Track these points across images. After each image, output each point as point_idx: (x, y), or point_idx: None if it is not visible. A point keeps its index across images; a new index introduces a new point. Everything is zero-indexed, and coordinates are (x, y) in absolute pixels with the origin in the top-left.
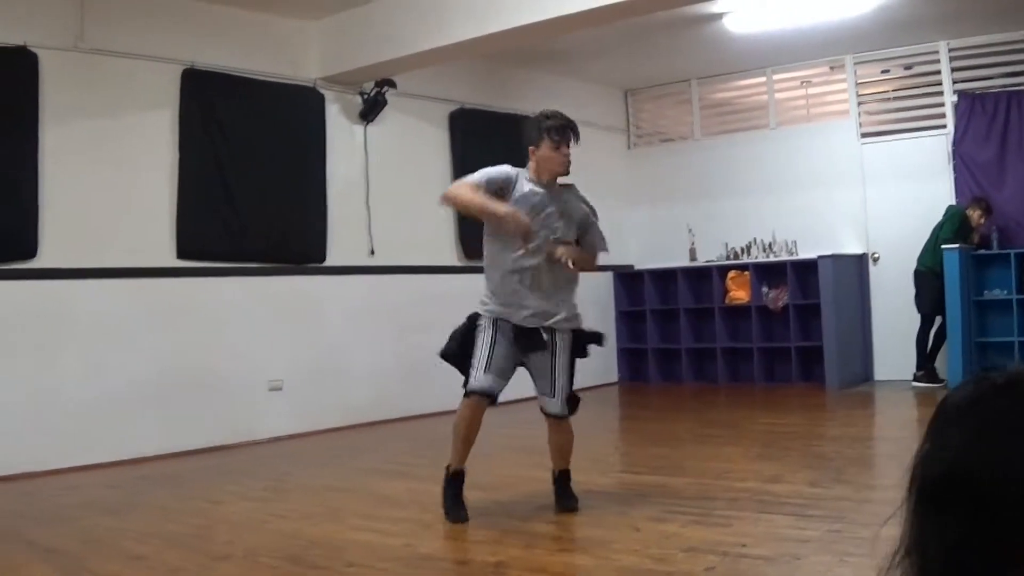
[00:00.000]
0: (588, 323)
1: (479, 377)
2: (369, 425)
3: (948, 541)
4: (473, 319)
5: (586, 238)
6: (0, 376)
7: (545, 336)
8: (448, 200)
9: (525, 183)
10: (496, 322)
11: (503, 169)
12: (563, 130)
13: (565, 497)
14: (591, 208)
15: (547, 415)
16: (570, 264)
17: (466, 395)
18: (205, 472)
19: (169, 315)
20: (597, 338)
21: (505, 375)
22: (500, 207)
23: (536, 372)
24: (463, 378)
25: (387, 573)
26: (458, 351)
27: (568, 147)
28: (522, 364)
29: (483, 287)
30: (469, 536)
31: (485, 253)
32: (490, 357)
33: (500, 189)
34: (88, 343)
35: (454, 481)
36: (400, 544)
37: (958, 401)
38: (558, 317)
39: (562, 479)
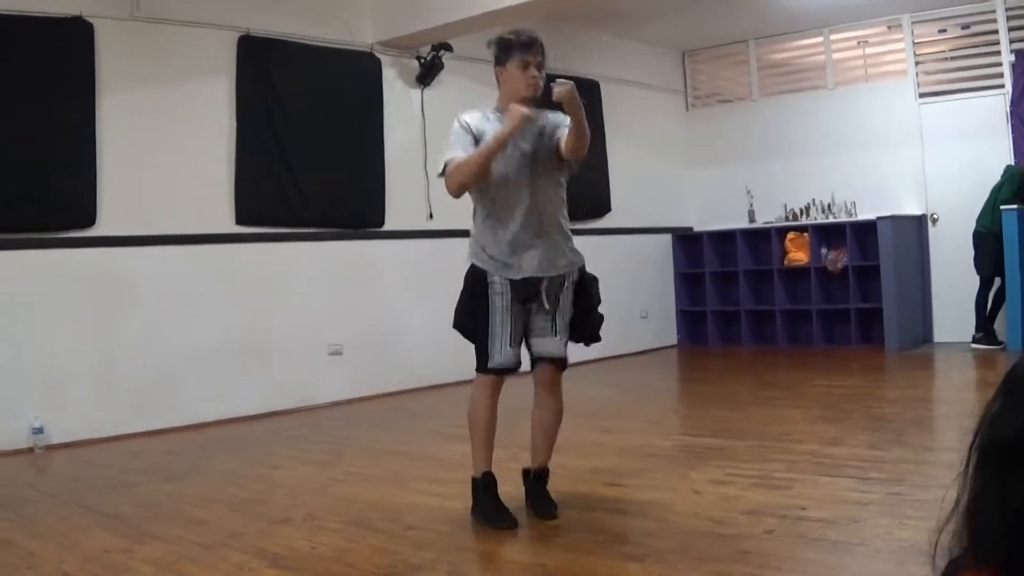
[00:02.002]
0: (647, 286)
1: (504, 351)
2: (428, 389)
3: (1011, 502)
4: (480, 281)
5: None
6: (62, 344)
7: (546, 283)
8: (461, 187)
9: (491, 121)
10: (503, 284)
11: (461, 122)
12: (529, 45)
13: (545, 501)
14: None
15: (542, 359)
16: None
17: (486, 373)
18: (265, 437)
19: (228, 281)
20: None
21: (520, 340)
22: (497, 136)
23: (531, 316)
24: (477, 351)
25: (446, 535)
26: (471, 323)
27: (538, 68)
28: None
29: (473, 243)
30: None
31: (476, 206)
32: (513, 326)
33: (475, 139)
34: (148, 310)
35: (488, 488)
36: (460, 507)
37: None
38: (563, 262)
39: (541, 480)
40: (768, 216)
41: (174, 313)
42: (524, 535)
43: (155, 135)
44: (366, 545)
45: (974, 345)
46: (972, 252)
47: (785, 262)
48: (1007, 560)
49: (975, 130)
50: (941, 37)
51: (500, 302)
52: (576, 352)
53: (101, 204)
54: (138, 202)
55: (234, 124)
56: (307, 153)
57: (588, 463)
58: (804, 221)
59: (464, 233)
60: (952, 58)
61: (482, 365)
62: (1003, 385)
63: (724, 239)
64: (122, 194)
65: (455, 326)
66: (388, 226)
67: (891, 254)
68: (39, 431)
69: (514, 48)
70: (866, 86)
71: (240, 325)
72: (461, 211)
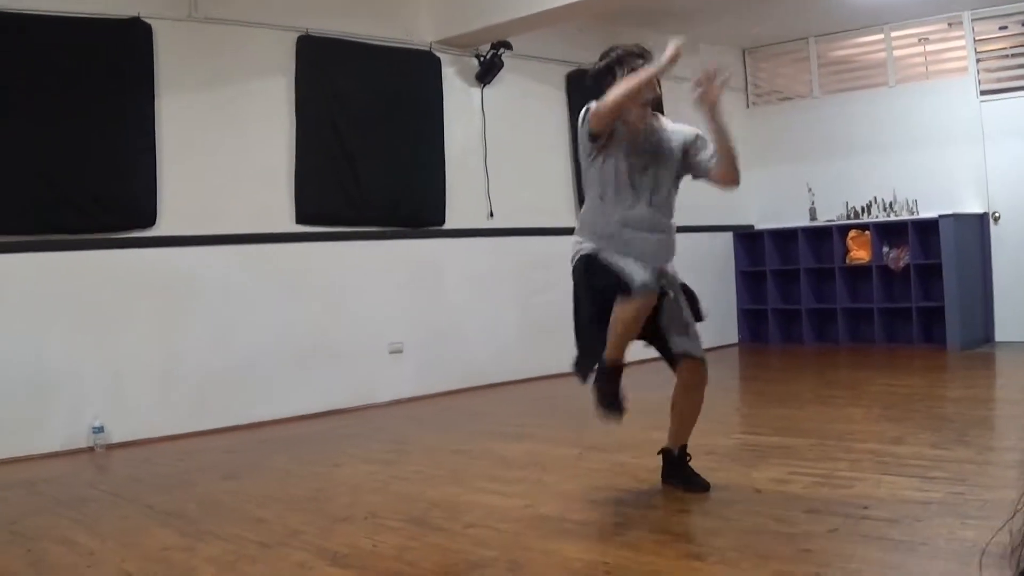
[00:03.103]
0: (707, 284)
1: (641, 275)
2: (488, 387)
3: None
4: (592, 255)
5: (706, 149)
6: (122, 344)
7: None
8: (615, 105)
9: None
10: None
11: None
12: (641, 55)
13: (699, 477)
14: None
15: (685, 358)
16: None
17: (633, 292)
18: (325, 436)
19: (289, 280)
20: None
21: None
22: (651, 68)
23: (668, 316)
24: (620, 291)
25: (507, 534)
26: (601, 285)
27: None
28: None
29: (578, 234)
30: (590, 497)
31: (589, 187)
32: (639, 263)
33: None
34: (208, 310)
35: (614, 373)
36: (520, 505)
37: None
38: (671, 268)
39: (684, 457)
40: (829, 214)
41: (234, 312)
42: (585, 532)
43: (214, 135)
44: (427, 543)
45: None
46: None
47: (847, 260)
48: None
49: None
50: (1002, 34)
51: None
52: (635, 350)
53: (161, 204)
54: (198, 202)
55: (294, 124)
56: (367, 152)
57: (648, 462)
58: (865, 219)
59: (524, 232)
60: (1013, 55)
61: (626, 290)
62: None
63: (785, 237)
64: (182, 194)
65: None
66: (448, 225)
67: (953, 252)
68: (99, 430)
69: (626, 58)
70: (927, 83)
71: (300, 324)
72: (520, 209)
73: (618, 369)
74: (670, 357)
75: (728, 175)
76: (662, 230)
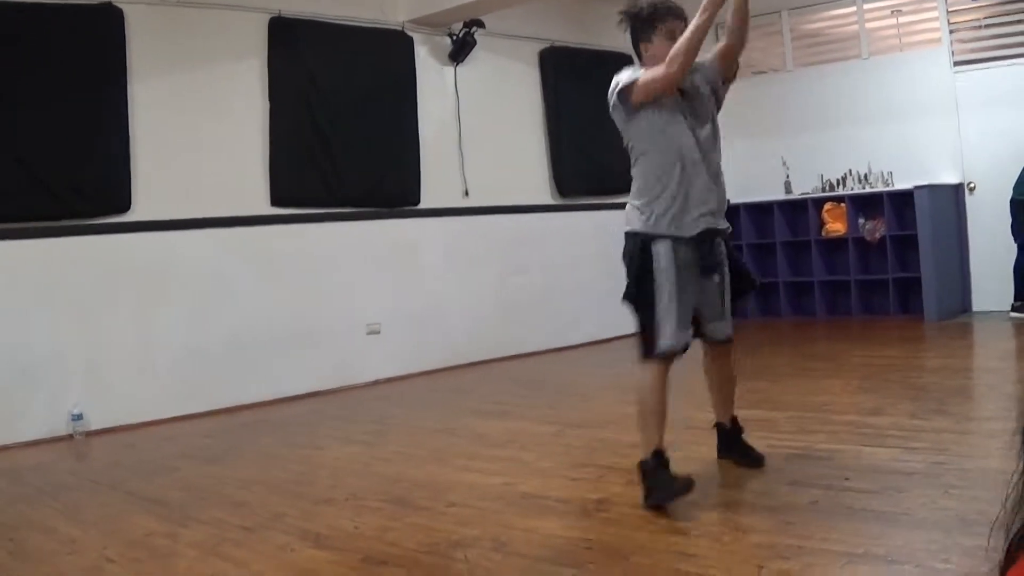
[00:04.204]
0: None
1: (672, 334)
2: (467, 366)
3: None
4: (646, 248)
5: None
6: (100, 330)
7: (720, 246)
8: (684, 59)
9: None
10: (675, 250)
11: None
12: (675, 11)
13: (754, 451)
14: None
15: (716, 343)
16: None
17: (653, 358)
18: (306, 418)
19: (265, 263)
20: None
21: (691, 319)
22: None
23: (705, 295)
24: (641, 333)
25: (488, 511)
26: (637, 294)
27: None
28: None
29: (633, 198)
30: (571, 474)
31: (637, 143)
32: (680, 306)
33: None
34: (186, 293)
35: (661, 462)
36: (501, 483)
37: None
38: (722, 216)
39: (737, 429)
40: (805, 187)
41: (211, 296)
42: (566, 509)
43: (188, 119)
44: (408, 523)
45: (1013, 314)
46: (1010, 220)
47: (822, 233)
48: None
49: (1011, 98)
50: (975, 5)
51: (667, 276)
52: (614, 326)
53: (136, 189)
54: (173, 186)
55: (267, 106)
56: (341, 133)
57: (628, 437)
58: (841, 192)
59: (499, 210)
60: (987, 26)
61: (648, 351)
62: None
63: (761, 211)
64: (156, 179)
65: (623, 297)
66: (424, 204)
67: (928, 223)
68: (79, 417)
69: (658, 17)
70: (900, 55)
71: (277, 306)
72: (496, 188)
73: (663, 457)
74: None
75: (739, 43)
76: (712, 172)
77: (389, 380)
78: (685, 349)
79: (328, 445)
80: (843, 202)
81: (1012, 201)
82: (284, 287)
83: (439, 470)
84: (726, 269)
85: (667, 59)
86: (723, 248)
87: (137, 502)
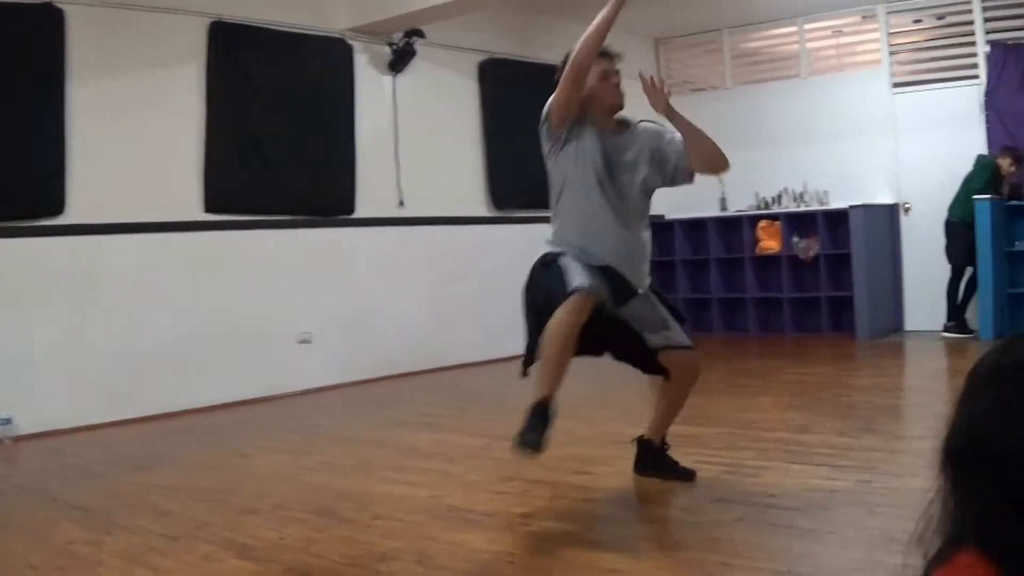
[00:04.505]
0: None
1: (582, 279)
2: (399, 376)
3: (977, 502)
4: (551, 259)
5: (673, 148)
6: (30, 334)
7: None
8: (574, 74)
9: (586, 129)
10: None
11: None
12: (608, 55)
13: (684, 467)
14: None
15: (676, 350)
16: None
17: (570, 295)
18: (235, 426)
19: (198, 269)
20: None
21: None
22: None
23: (638, 319)
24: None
25: (414, 524)
26: (539, 289)
27: (616, 73)
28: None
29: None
30: (496, 488)
31: (557, 190)
32: (587, 269)
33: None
34: (118, 299)
35: (546, 410)
36: (426, 495)
37: (984, 369)
38: (645, 274)
39: (664, 448)
40: (740, 204)
41: (144, 302)
42: (491, 523)
43: (125, 123)
44: (333, 535)
45: (945, 334)
46: (944, 241)
47: (756, 250)
48: (989, 552)
49: (948, 120)
50: (916, 27)
51: (571, 261)
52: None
53: (70, 193)
54: (108, 190)
55: (204, 111)
56: (278, 140)
57: (556, 451)
58: (776, 210)
59: (434, 221)
60: (927, 48)
61: (566, 291)
62: (962, 389)
63: (696, 227)
64: (92, 182)
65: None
66: (359, 213)
67: (863, 243)
68: (7, 422)
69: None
70: (839, 76)
71: (210, 313)
72: (431, 198)
73: (547, 404)
74: (647, 361)
75: (713, 161)
76: (628, 239)
77: (320, 389)
78: (599, 297)
79: (256, 454)
80: (778, 220)
81: (947, 222)
82: (216, 294)
83: (366, 481)
84: (650, 295)
85: (574, 51)
86: (639, 283)
87: (63, 509)
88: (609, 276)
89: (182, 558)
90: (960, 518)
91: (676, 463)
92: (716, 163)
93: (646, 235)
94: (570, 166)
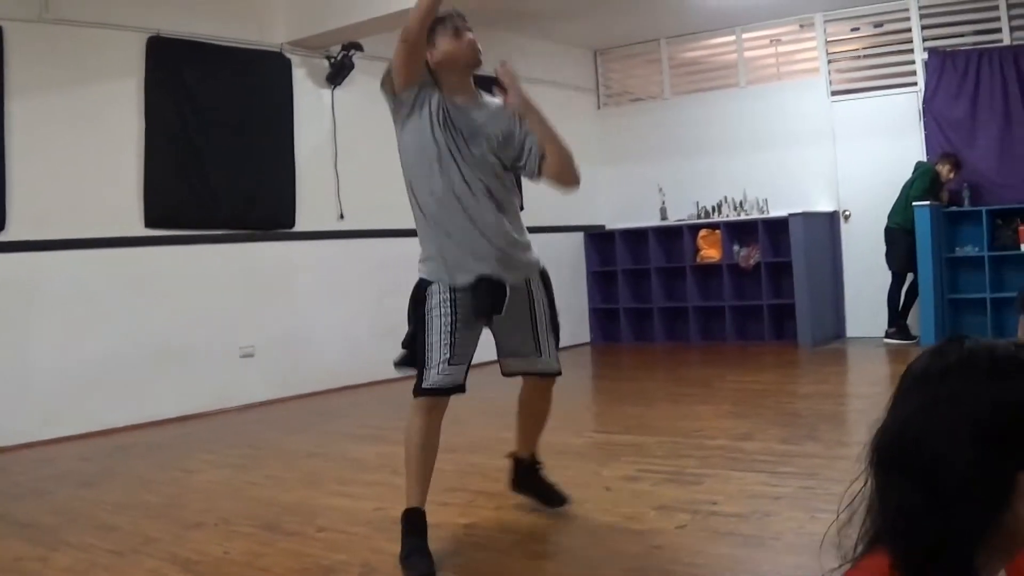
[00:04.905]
0: (559, 285)
1: (441, 370)
2: (342, 389)
3: (900, 502)
4: (420, 296)
5: (530, 138)
6: None
7: (510, 287)
8: (417, 25)
9: (434, 95)
10: (451, 290)
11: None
12: (448, 16)
13: (556, 491)
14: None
15: (538, 375)
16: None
17: (420, 395)
18: (180, 441)
19: (139, 284)
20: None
21: (469, 358)
22: None
23: (509, 329)
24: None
25: (358, 537)
26: (413, 335)
27: (469, 31)
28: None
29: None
30: (440, 499)
31: (408, 178)
32: (452, 344)
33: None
34: (59, 315)
35: (415, 524)
36: (371, 508)
37: (915, 371)
38: (523, 260)
39: (536, 467)
40: (680, 214)
41: (85, 318)
42: (436, 534)
43: (65, 139)
44: (278, 549)
45: (887, 340)
46: (884, 248)
47: (697, 259)
48: (896, 554)
49: (887, 127)
50: (854, 35)
51: (439, 312)
52: (489, 350)
53: (10, 209)
54: (48, 206)
55: (143, 125)
56: (217, 154)
57: (499, 462)
58: (716, 219)
59: (375, 234)
60: (865, 56)
61: (417, 388)
62: (894, 392)
63: (636, 237)
64: (32, 199)
65: (394, 363)
66: (299, 227)
67: (803, 251)
68: None
69: (436, 23)
70: (778, 84)
71: (152, 328)
72: (371, 211)
73: (420, 517)
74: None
75: (564, 175)
76: (498, 228)
77: (263, 404)
78: (456, 389)
79: (200, 468)
80: (718, 229)
81: (886, 229)
82: (158, 309)
83: (311, 494)
84: (539, 307)
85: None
86: (533, 284)
87: (8, 526)
88: (482, 290)
89: (128, 573)
90: (879, 517)
91: (550, 486)
92: (569, 176)
93: (517, 217)
94: (418, 139)
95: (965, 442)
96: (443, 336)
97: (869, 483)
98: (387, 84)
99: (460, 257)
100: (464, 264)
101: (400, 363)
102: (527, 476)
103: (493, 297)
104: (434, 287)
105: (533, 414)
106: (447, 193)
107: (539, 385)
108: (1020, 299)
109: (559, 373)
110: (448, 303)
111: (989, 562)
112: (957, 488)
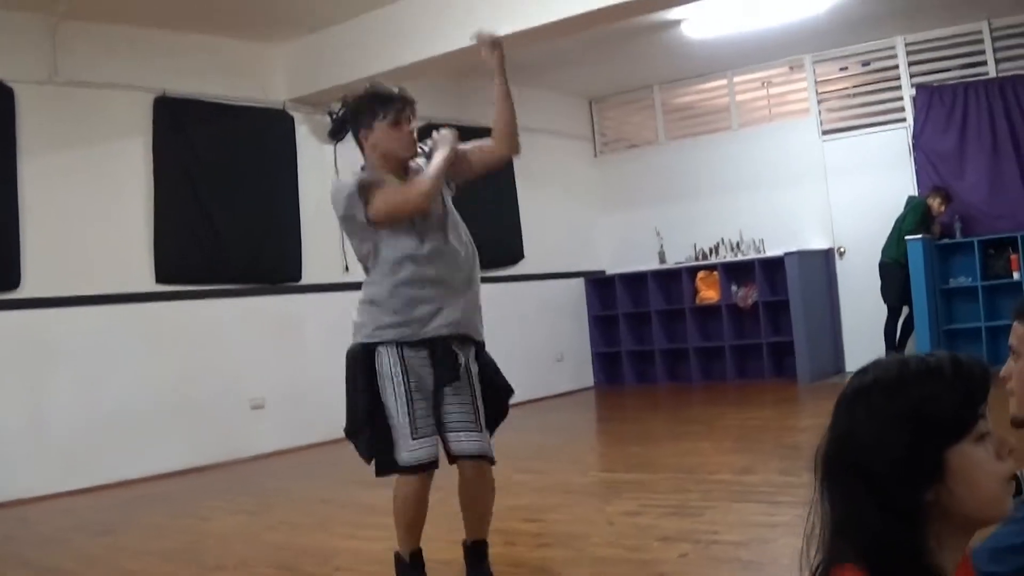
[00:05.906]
0: (562, 331)
1: (412, 447)
2: None
3: (845, 500)
4: (367, 360)
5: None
6: None
7: (460, 355)
8: (423, 202)
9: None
10: (402, 355)
11: (345, 185)
12: (393, 99)
13: None
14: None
15: (468, 457)
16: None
17: (403, 472)
18: (194, 491)
19: (151, 338)
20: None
21: (434, 429)
22: (443, 158)
23: (450, 400)
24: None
25: (374, 575)
26: (366, 419)
27: (410, 120)
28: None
29: (361, 309)
30: (450, 537)
31: (372, 259)
32: (412, 417)
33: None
34: (74, 370)
35: (414, 566)
36: (385, 548)
37: (851, 387)
38: (476, 324)
39: (478, 552)
40: (678, 256)
41: (99, 372)
42: (448, 571)
43: (76, 197)
44: None
45: None
46: (879, 283)
47: (696, 301)
48: (855, 553)
49: (878, 164)
50: (843, 75)
51: (393, 383)
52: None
53: (25, 266)
54: (61, 264)
55: (152, 183)
56: (224, 210)
57: (508, 501)
58: (713, 260)
59: None
60: (854, 95)
61: (384, 466)
62: (835, 404)
63: (636, 281)
64: (45, 256)
65: (344, 430)
66: (305, 279)
67: (799, 288)
68: None
69: (379, 105)
70: (770, 126)
71: (164, 381)
72: None
73: (417, 558)
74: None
75: (508, 138)
76: (461, 285)
77: (273, 454)
78: (435, 462)
79: (215, 516)
80: (716, 270)
81: (881, 264)
82: (170, 362)
83: (326, 537)
84: (475, 380)
85: (416, 188)
86: (470, 355)
87: (33, 571)
88: (436, 353)
89: None
90: (834, 522)
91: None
92: (511, 141)
93: (476, 277)
94: (396, 240)
95: (895, 431)
96: (404, 406)
97: (822, 498)
98: (360, 211)
99: (421, 318)
100: (422, 324)
101: (381, 470)
102: (469, 562)
103: (444, 363)
104: (383, 349)
105: (468, 500)
106: (433, 251)
107: (471, 469)
108: (1018, 308)
109: (491, 456)
110: (399, 366)
111: (945, 545)
112: (893, 473)
